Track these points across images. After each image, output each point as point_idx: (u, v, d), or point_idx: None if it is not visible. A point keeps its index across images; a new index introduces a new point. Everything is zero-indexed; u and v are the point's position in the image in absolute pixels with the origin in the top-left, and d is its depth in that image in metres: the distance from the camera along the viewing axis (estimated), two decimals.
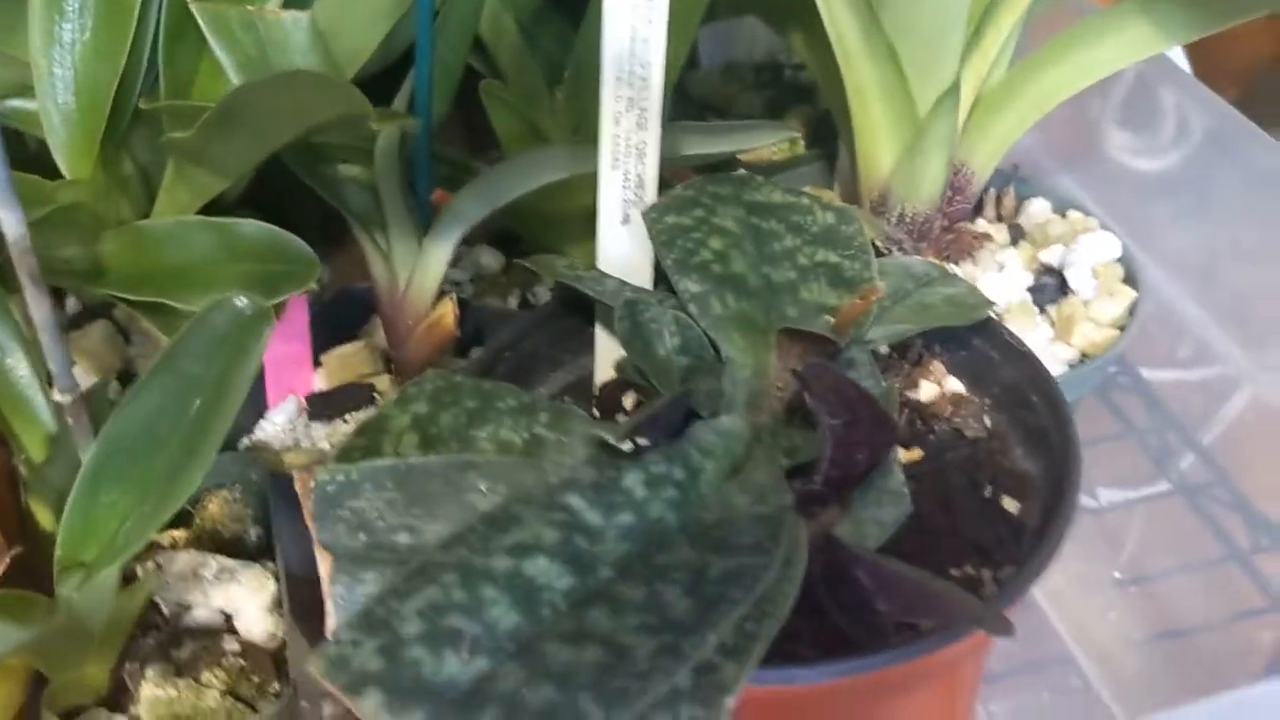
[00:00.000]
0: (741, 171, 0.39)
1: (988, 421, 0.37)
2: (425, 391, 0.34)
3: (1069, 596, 0.48)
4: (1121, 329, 0.43)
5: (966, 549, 0.33)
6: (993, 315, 0.37)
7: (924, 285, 0.37)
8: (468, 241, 0.47)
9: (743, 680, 0.27)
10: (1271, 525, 0.47)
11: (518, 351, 0.38)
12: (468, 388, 0.33)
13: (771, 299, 0.35)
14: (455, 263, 0.48)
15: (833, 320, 0.32)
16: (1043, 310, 0.44)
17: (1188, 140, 0.47)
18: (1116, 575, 0.49)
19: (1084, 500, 0.52)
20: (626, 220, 0.36)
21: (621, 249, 0.36)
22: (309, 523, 0.31)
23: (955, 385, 0.37)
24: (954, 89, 0.38)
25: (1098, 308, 0.43)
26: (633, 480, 0.28)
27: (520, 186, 0.39)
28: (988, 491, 0.35)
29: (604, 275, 0.36)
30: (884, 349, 0.39)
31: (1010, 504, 0.34)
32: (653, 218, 0.35)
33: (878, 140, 0.40)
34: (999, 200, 0.48)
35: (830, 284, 0.36)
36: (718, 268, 0.34)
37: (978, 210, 0.48)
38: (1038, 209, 0.48)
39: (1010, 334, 0.36)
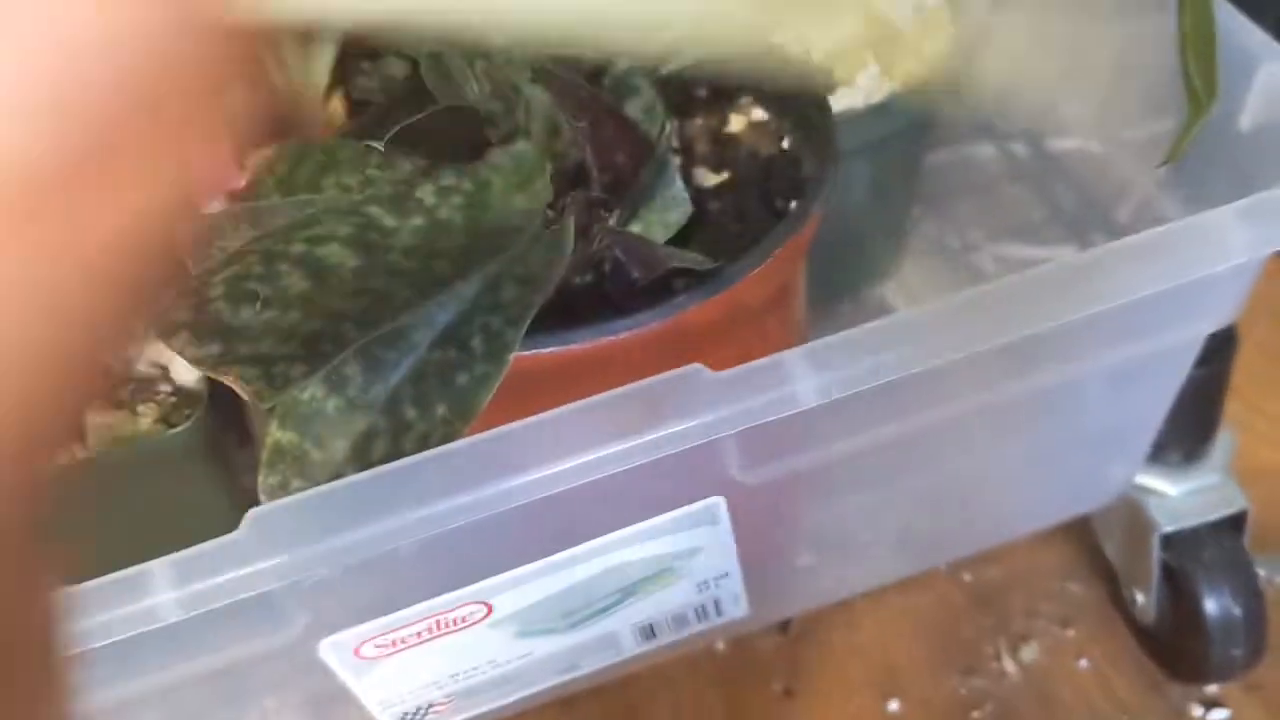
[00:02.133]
0: None
1: (785, 143, 0.42)
2: (285, 155, 0.40)
3: None
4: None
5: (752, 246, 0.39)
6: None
7: None
8: (374, 55, 0.53)
9: (518, 339, 0.33)
10: None
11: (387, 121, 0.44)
12: (316, 147, 0.40)
13: None
14: (369, 72, 0.54)
15: None
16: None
17: None
18: None
19: (985, 265, 0.56)
20: None
21: None
22: (187, 262, 0.38)
23: (760, 115, 0.43)
24: None
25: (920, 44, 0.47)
26: (425, 191, 0.34)
27: None
28: (778, 200, 0.40)
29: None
30: (701, 93, 0.44)
31: (790, 203, 0.40)
32: None
33: None
34: None
35: None
36: None
37: None
38: None
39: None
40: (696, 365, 0.31)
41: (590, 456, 0.30)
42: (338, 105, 0.48)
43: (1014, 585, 0.58)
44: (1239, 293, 0.37)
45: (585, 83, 0.34)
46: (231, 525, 0.32)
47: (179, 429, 0.39)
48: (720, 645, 0.55)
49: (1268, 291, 0.43)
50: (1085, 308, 0.32)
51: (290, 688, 0.40)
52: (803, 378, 0.31)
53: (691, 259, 0.33)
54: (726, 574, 0.38)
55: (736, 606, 0.40)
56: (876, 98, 0.45)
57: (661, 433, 0.30)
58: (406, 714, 0.39)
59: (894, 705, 0.53)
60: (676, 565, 0.37)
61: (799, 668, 0.55)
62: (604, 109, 0.33)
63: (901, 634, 0.55)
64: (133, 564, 0.32)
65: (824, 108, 0.40)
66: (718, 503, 0.35)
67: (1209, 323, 0.36)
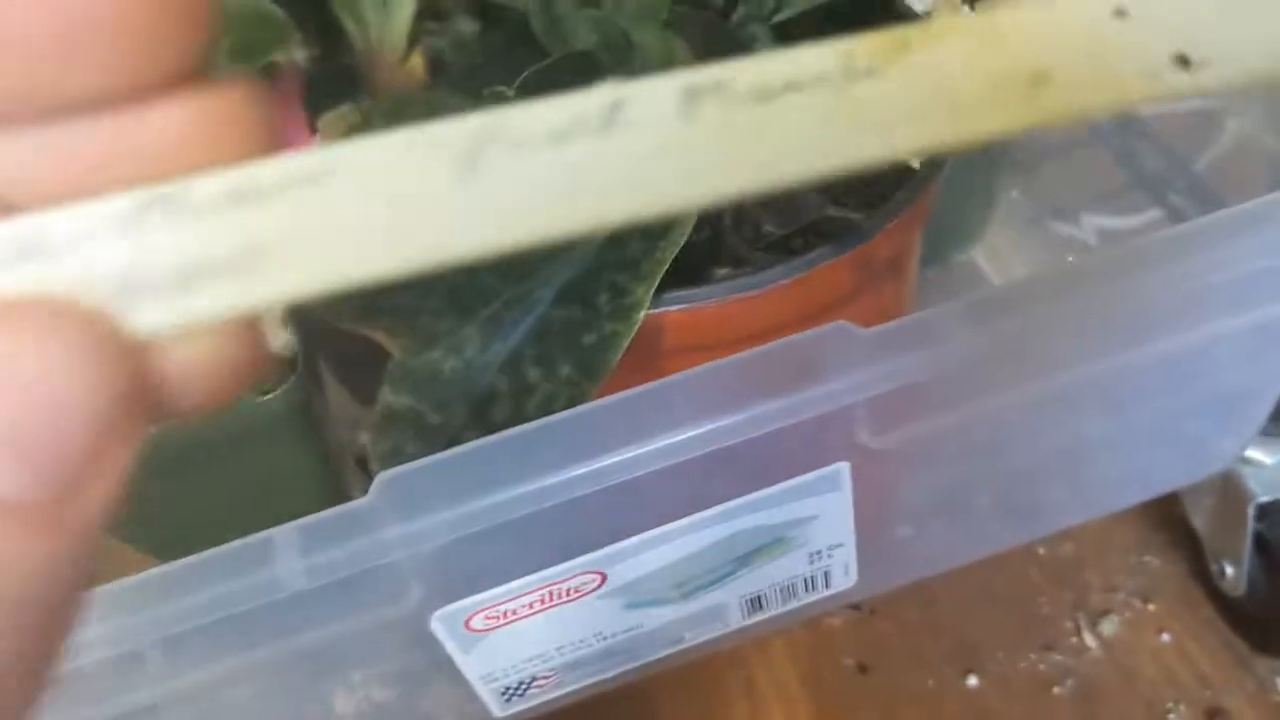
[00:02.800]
0: None
1: None
2: (382, 110, 0.39)
3: None
4: None
5: (876, 201, 0.38)
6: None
7: None
8: (438, 16, 0.51)
9: (648, 298, 0.32)
10: None
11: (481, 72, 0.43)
12: (418, 100, 0.38)
13: None
14: (437, 32, 0.52)
15: None
16: (972, 6, 0.47)
17: None
18: None
19: (1071, 232, 0.55)
20: None
21: None
22: None
23: None
24: None
25: None
26: None
27: None
28: None
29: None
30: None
31: (916, 162, 0.38)
32: None
33: None
34: None
35: None
36: None
37: None
38: None
39: (907, 10, 0.40)
40: (843, 322, 0.30)
41: (737, 418, 0.29)
42: (418, 63, 0.46)
43: (1091, 560, 0.57)
44: None
45: (719, 19, 0.33)
46: (330, 490, 0.31)
47: (271, 395, 0.38)
48: None
49: None
50: (1242, 264, 0.31)
51: (385, 661, 0.38)
52: (955, 335, 0.29)
53: (837, 209, 0.31)
54: (841, 544, 0.37)
55: (846, 578, 0.39)
56: None
57: (812, 392, 0.29)
58: (509, 688, 0.37)
59: (973, 681, 0.52)
60: (793, 534, 0.36)
61: (873, 644, 0.54)
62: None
63: (978, 610, 0.54)
64: (233, 532, 0.31)
65: None
66: (842, 468, 0.34)
67: None
